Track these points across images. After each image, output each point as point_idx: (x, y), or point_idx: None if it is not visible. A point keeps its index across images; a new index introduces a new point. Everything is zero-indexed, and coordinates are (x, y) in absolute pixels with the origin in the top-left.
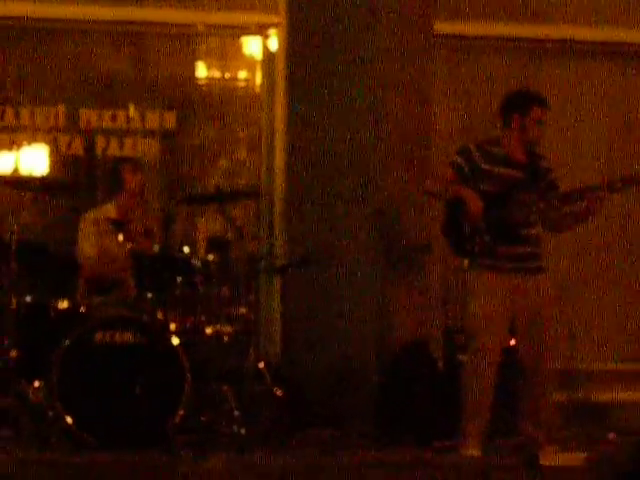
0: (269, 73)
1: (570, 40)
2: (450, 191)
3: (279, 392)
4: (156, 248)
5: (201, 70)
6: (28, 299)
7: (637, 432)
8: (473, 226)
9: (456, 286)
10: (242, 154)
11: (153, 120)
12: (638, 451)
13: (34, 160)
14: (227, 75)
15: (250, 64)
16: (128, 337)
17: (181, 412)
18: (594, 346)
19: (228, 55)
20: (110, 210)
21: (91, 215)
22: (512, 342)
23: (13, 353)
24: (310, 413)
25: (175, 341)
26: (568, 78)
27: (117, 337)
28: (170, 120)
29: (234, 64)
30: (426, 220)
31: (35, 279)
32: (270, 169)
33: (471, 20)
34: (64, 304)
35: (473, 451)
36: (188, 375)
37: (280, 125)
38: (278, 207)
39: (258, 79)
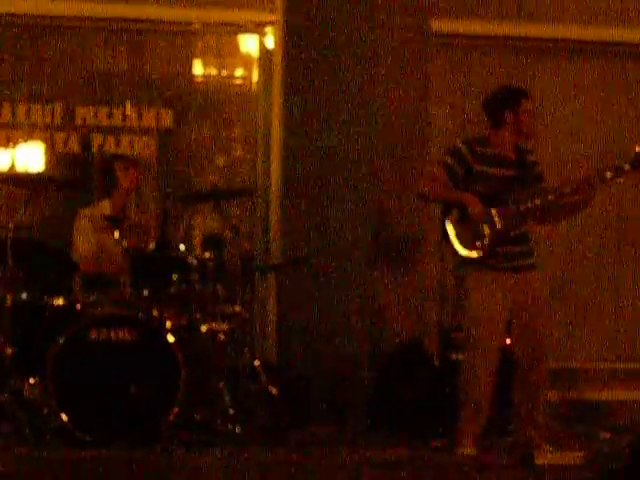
0: (266, 71)
1: (567, 39)
2: (449, 196)
3: (274, 390)
4: (152, 246)
5: (198, 68)
6: (24, 296)
7: (632, 431)
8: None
9: (453, 285)
10: (238, 152)
11: (149, 118)
12: (633, 450)
13: (30, 157)
14: (224, 73)
15: (247, 62)
16: (123, 334)
17: (176, 410)
18: (589, 345)
19: (225, 53)
20: (105, 207)
21: (86, 212)
22: (507, 341)
23: (8, 350)
24: (306, 411)
25: (170, 339)
26: (565, 77)
27: (112, 334)
28: (166, 118)
29: (231, 62)
30: (424, 218)
31: (31, 276)
32: (266, 167)
33: (468, 19)
34: (59, 301)
35: (468, 450)
36: (183, 373)
37: (276, 123)
38: (274, 205)
39: (255, 77)
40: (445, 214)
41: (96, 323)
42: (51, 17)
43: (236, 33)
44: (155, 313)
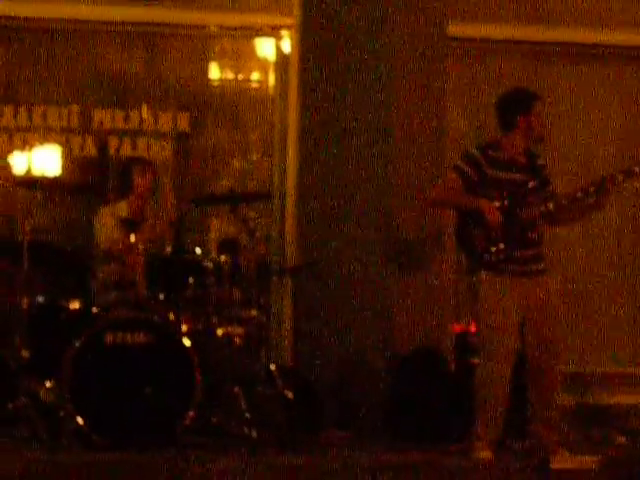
0: (282, 75)
1: (584, 43)
2: (464, 202)
3: (290, 394)
4: (168, 249)
5: (214, 71)
6: (40, 299)
7: None
8: (490, 236)
9: (468, 288)
10: (254, 155)
11: (166, 121)
12: None
13: (46, 160)
14: (240, 77)
15: (263, 66)
16: (139, 338)
17: (191, 413)
18: (605, 349)
19: (241, 57)
20: (122, 209)
21: (107, 210)
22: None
23: (25, 353)
24: (321, 415)
25: (186, 342)
26: (579, 81)
27: (128, 338)
28: (183, 121)
29: (247, 65)
30: (439, 223)
31: (47, 279)
32: (282, 171)
33: (483, 23)
34: (75, 304)
35: (485, 454)
36: (199, 376)
37: (293, 127)
38: (290, 209)
39: (271, 81)
40: (460, 219)
41: (112, 326)
42: (68, 20)
43: (252, 37)
44: (171, 317)
